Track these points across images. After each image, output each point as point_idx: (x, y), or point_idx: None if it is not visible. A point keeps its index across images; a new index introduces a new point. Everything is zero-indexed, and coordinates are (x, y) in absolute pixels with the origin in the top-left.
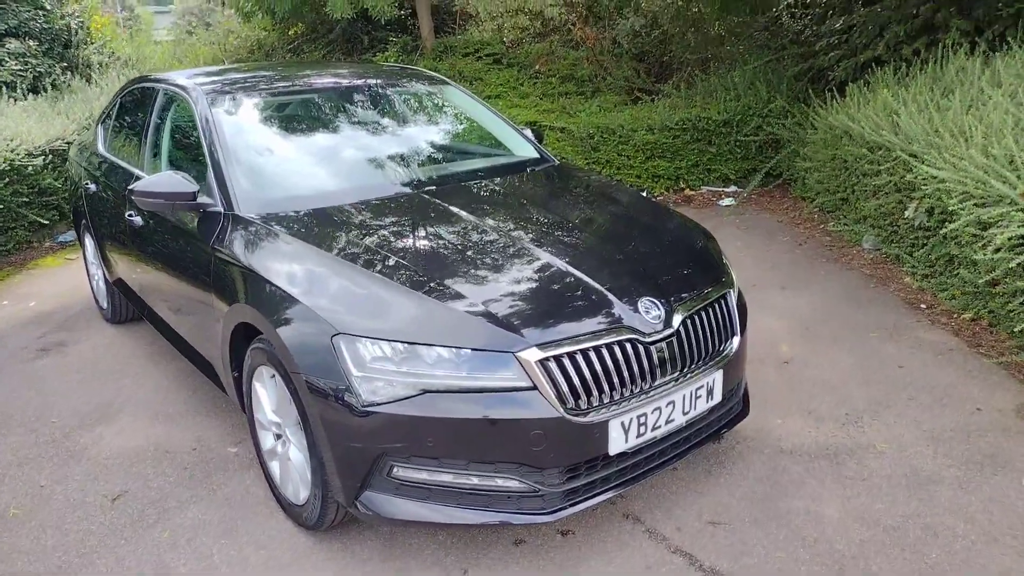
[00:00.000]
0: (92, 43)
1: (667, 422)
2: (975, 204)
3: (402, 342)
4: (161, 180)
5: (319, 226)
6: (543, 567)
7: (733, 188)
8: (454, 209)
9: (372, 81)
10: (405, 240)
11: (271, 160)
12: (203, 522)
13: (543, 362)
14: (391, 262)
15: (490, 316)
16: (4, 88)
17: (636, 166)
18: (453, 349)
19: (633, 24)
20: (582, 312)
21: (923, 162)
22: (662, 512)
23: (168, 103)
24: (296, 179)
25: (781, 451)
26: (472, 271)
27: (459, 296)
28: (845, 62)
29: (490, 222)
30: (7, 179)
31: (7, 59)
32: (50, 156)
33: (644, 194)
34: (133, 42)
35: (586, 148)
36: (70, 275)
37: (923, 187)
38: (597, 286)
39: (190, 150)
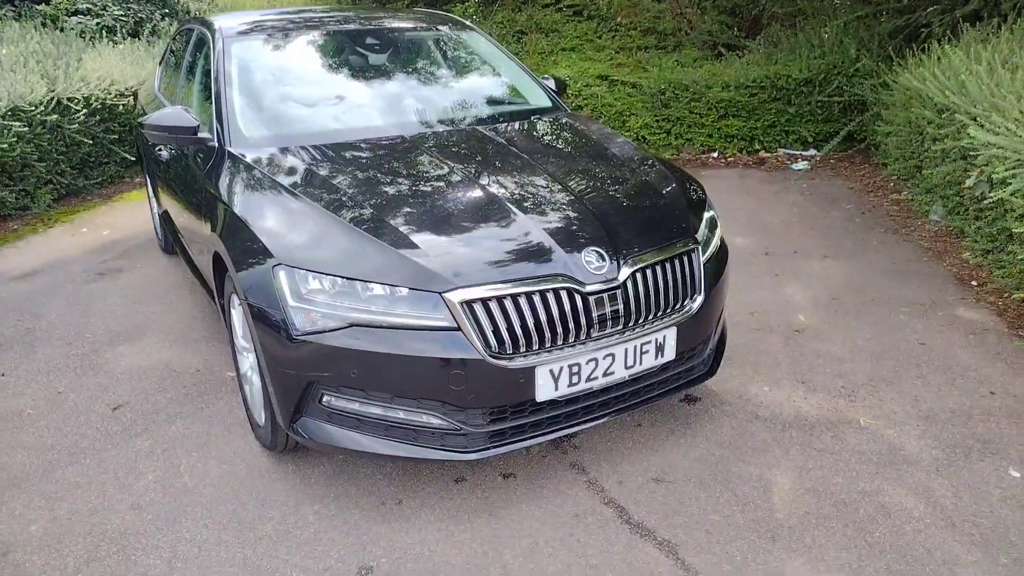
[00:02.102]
0: None
1: (605, 374)
2: None
3: (337, 276)
4: (167, 114)
5: (292, 163)
6: (474, 505)
7: (812, 152)
8: (429, 152)
9: (392, 25)
10: (368, 180)
11: (270, 100)
12: (183, 436)
13: (468, 304)
14: (344, 200)
15: (424, 256)
16: (105, 32)
17: (708, 124)
18: (386, 286)
19: None
20: (520, 257)
21: (982, 126)
22: (609, 465)
23: (200, 44)
24: (289, 119)
25: (756, 417)
26: (422, 212)
27: (399, 236)
28: (940, 17)
29: (459, 167)
30: (99, 117)
31: (110, 5)
32: None
33: (636, 145)
34: None
35: (656, 105)
36: (147, 208)
37: (975, 153)
38: (542, 233)
39: (206, 88)
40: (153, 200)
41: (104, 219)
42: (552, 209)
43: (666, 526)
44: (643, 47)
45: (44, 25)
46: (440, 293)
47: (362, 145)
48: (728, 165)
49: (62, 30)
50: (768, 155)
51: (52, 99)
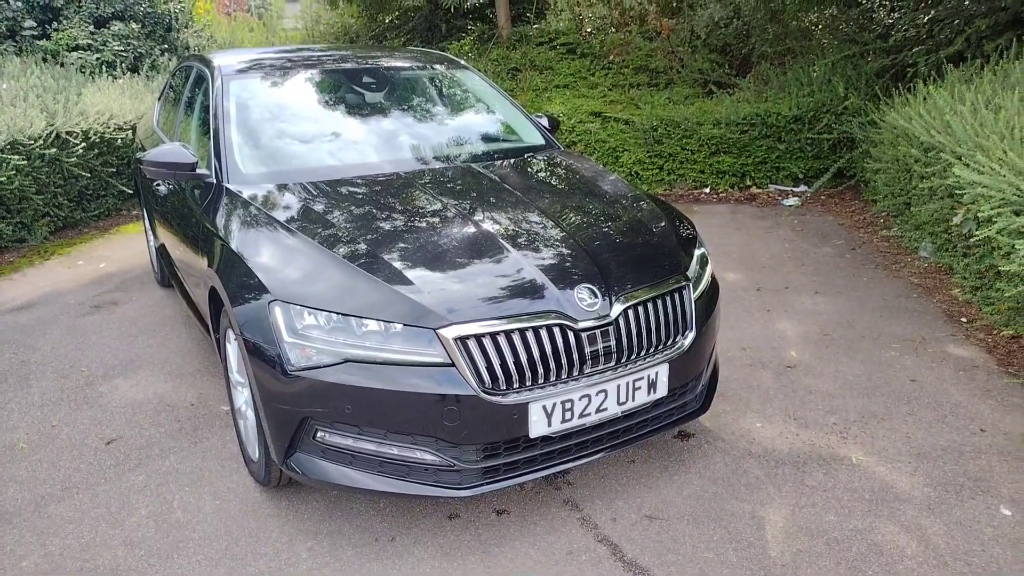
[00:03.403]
0: (192, 27)
1: (598, 411)
2: (1013, 211)
3: (332, 312)
4: (166, 151)
5: (289, 200)
6: (467, 542)
7: (802, 188)
8: (424, 189)
9: (388, 63)
10: (363, 216)
11: (267, 137)
12: (176, 471)
13: (462, 340)
14: (340, 236)
15: (418, 292)
16: (105, 67)
17: (700, 161)
18: (381, 322)
19: (712, 14)
20: (513, 294)
21: (967, 165)
22: (603, 502)
23: (199, 80)
24: (286, 156)
25: (749, 454)
26: (417, 249)
27: (394, 272)
28: (925, 58)
29: (454, 203)
30: (97, 150)
31: (111, 40)
32: None
33: (622, 181)
34: (234, 26)
35: (648, 141)
36: (143, 241)
37: (961, 191)
38: (535, 270)
39: (205, 124)
40: (149, 233)
41: (101, 252)
42: (545, 246)
43: (659, 564)
44: (635, 85)
45: (45, 60)
46: (434, 329)
47: (358, 182)
48: (720, 201)
49: (62, 65)
50: (759, 191)
51: (51, 133)
